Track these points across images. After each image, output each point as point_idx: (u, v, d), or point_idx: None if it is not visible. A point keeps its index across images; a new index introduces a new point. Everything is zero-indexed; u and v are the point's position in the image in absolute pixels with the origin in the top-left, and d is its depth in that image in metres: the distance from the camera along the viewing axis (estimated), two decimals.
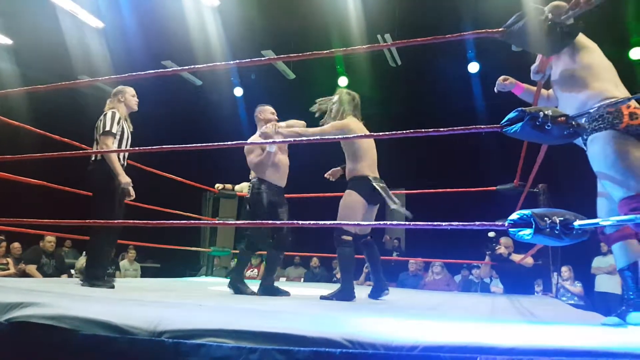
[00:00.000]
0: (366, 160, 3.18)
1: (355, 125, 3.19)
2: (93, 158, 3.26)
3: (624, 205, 1.77)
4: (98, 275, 3.06)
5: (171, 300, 2.25)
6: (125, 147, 3.34)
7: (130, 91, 3.49)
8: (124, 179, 3.18)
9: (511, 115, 1.56)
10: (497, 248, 4.81)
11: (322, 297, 3.02)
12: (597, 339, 1.34)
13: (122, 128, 3.31)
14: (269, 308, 2.12)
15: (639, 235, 1.83)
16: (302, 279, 7.39)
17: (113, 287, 3.05)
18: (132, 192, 3.51)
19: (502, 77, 2.48)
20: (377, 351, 1.28)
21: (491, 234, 4.78)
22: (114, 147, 3.21)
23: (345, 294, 3.00)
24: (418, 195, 4.19)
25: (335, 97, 3.37)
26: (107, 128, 3.21)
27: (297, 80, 8.12)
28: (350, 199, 3.10)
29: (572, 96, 2.00)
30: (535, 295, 4.68)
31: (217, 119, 8.51)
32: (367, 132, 3.19)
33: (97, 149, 3.25)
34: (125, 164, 3.39)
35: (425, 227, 1.65)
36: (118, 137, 3.27)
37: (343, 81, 7.83)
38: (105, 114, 3.30)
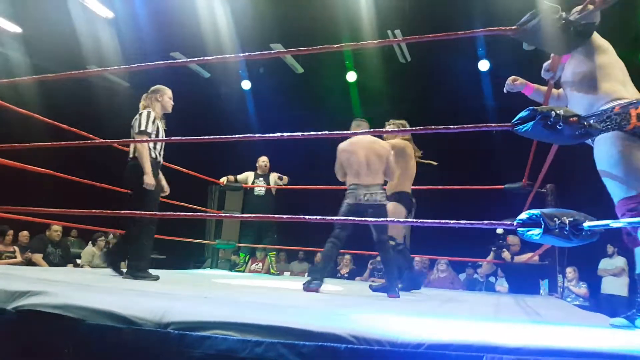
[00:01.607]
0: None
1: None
2: (131, 155, 3.30)
3: (622, 205, 1.76)
4: (141, 267, 3.11)
5: (177, 292, 2.26)
6: (160, 147, 3.36)
7: (168, 93, 3.49)
8: (149, 179, 3.17)
9: (522, 114, 1.55)
10: (502, 252, 4.80)
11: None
12: (604, 341, 1.33)
13: (157, 128, 3.33)
14: (274, 302, 2.12)
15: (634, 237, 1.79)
16: (306, 274, 7.40)
17: (157, 278, 3.10)
18: (167, 188, 3.56)
19: (511, 78, 2.45)
20: (382, 347, 1.28)
21: (499, 231, 4.77)
22: (145, 145, 3.22)
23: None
24: (425, 192, 4.18)
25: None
26: (143, 127, 3.22)
27: (306, 74, 8.09)
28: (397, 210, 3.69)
29: (582, 96, 1.98)
30: (541, 295, 4.66)
31: (225, 111, 8.51)
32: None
33: (133, 147, 3.27)
34: (161, 160, 3.41)
35: (433, 225, 1.65)
36: (153, 136, 3.28)
37: (352, 76, 7.78)
38: (141, 113, 3.30)
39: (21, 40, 7.19)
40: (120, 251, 3.47)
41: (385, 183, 3.53)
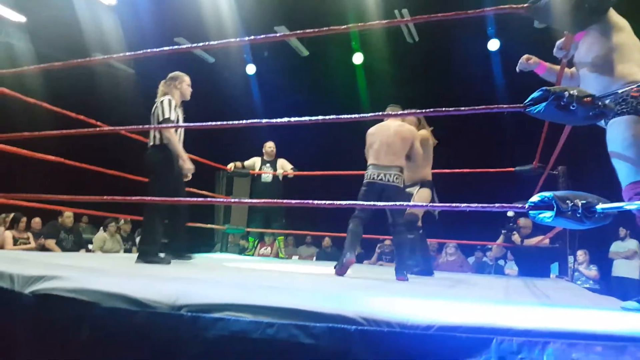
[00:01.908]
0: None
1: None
2: (152, 142, 3.28)
3: (630, 189, 1.75)
4: (150, 252, 3.14)
5: (189, 276, 2.29)
6: (180, 134, 3.34)
7: (187, 79, 3.47)
8: (188, 164, 3.23)
9: (535, 94, 1.52)
10: (512, 235, 4.77)
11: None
12: (615, 323, 1.32)
13: (177, 115, 3.31)
14: (286, 285, 2.14)
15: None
16: (314, 258, 7.45)
17: (169, 262, 3.13)
18: (190, 171, 3.50)
19: (525, 56, 2.41)
20: (392, 329, 1.29)
21: (510, 214, 4.73)
22: (174, 133, 3.23)
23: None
24: (434, 175, 4.16)
25: None
26: (166, 115, 3.22)
27: (311, 57, 8.01)
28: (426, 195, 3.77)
29: (596, 77, 1.93)
30: (551, 278, 4.65)
31: (230, 96, 8.48)
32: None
33: (154, 135, 3.26)
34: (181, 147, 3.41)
35: (443, 209, 1.64)
36: (174, 123, 3.26)
37: (358, 58, 7.69)
38: (162, 100, 3.28)
39: (25, 29, 7.19)
40: (172, 240, 3.52)
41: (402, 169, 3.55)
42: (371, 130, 3.46)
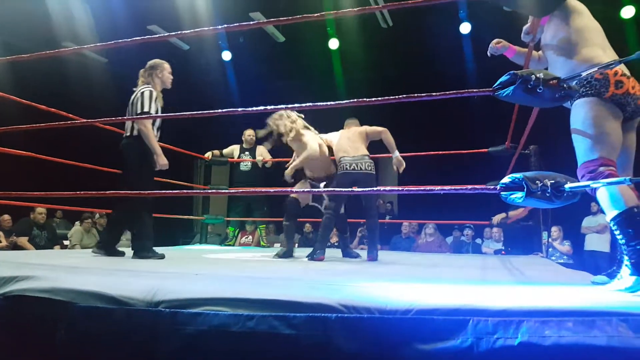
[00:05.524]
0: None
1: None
2: (129, 133, 3.19)
3: (583, 168, 1.82)
4: (146, 247, 3.07)
5: (167, 270, 2.26)
6: (160, 125, 3.30)
7: (167, 67, 3.35)
8: (163, 160, 3.15)
9: (503, 78, 1.55)
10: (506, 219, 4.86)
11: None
12: (585, 298, 1.37)
13: (157, 107, 3.23)
14: (264, 275, 2.14)
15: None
16: (297, 244, 7.46)
17: (163, 257, 3.06)
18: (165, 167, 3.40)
19: (495, 41, 2.46)
20: (372, 315, 1.30)
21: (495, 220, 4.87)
22: (151, 127, 3.15)
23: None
24: (409, 159, 4.18)
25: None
26: (146, 109, 3.12)
27: (287, 42, 7.94)
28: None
29: (563, 61, 1.99)
30: (525, 255, 4.77)
31: (206, 84, 8.35)
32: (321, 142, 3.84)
33: (132, 126, 3.16)
34: (158, 137, 3.31)
35: (418, 192, 1.66)
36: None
37: (334, 43, 7.66)
38: (143, 92, 3.17)
39: None
40: (116, 234, 3.38)
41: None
42: (329, 134, 3.87)
